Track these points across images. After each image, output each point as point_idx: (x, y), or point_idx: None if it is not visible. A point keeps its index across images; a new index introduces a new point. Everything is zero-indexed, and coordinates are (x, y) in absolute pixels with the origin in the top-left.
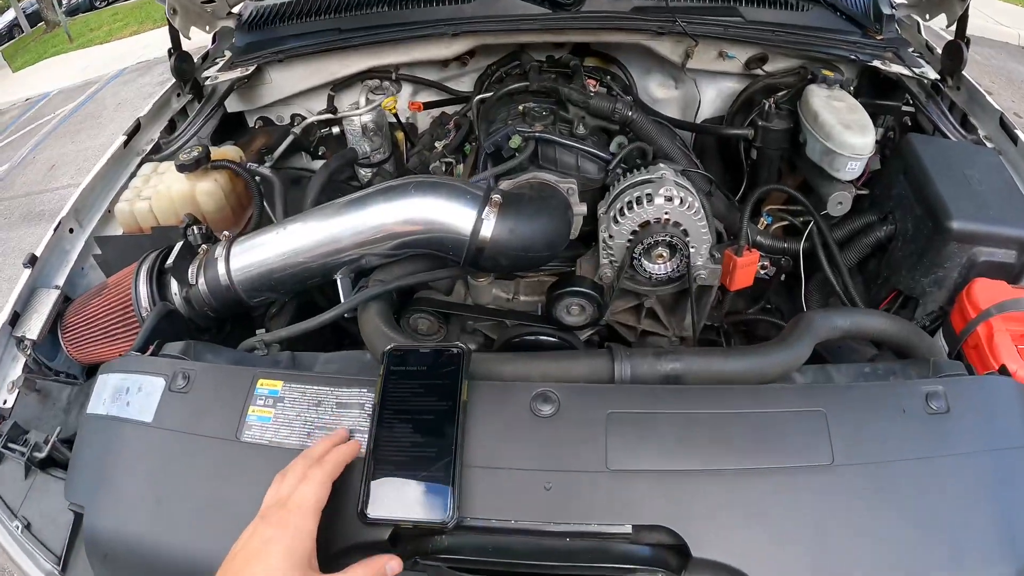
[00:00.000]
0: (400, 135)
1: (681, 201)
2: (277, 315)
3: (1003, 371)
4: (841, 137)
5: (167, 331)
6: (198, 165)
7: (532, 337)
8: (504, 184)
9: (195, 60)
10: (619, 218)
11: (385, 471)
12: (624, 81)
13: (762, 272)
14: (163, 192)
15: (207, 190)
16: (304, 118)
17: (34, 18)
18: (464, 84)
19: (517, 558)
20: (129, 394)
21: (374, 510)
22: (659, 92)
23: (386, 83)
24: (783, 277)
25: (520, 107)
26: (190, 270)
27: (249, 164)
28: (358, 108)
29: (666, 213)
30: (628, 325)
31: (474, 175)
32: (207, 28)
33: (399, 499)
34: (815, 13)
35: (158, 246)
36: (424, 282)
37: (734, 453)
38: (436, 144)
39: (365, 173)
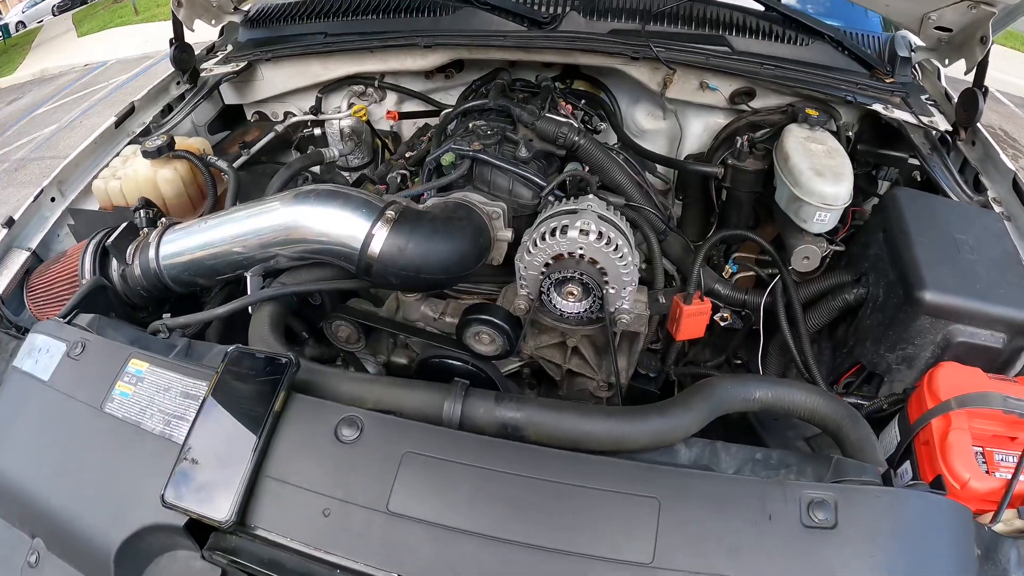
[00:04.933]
0: (379, 142)
1: (599, 236)
2: (209, 302)
3: (937, 482)
4: (810, 184)
5: (97, 303)
6: (159, 153)
7: (445, 360)
8: (429, 201)
9: (199, 51)
10: (532, 248)
11: (190, 462)
12: (609, 107)
13: (722, 323)
14: (131, 175)
15: (167, 177)
16: (295, 115)
17: None
18: (451, 97)
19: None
20: (40, 353)
21: (171, 496)
22: (646, 122)
23: (370, 90)
24: (751, 329)
25: (471, 124)
26: (128, 250)
27: (210, 157)
28: (340, 112)
29: (580, 248)
30: (554, 362)
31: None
32: (212, 22)
33: (193, 490)
34: (816, 49)
35: (117, 224)
36: (328, 289)
37: (529, 526)
38: (408, 154)
39: (347, 176)
